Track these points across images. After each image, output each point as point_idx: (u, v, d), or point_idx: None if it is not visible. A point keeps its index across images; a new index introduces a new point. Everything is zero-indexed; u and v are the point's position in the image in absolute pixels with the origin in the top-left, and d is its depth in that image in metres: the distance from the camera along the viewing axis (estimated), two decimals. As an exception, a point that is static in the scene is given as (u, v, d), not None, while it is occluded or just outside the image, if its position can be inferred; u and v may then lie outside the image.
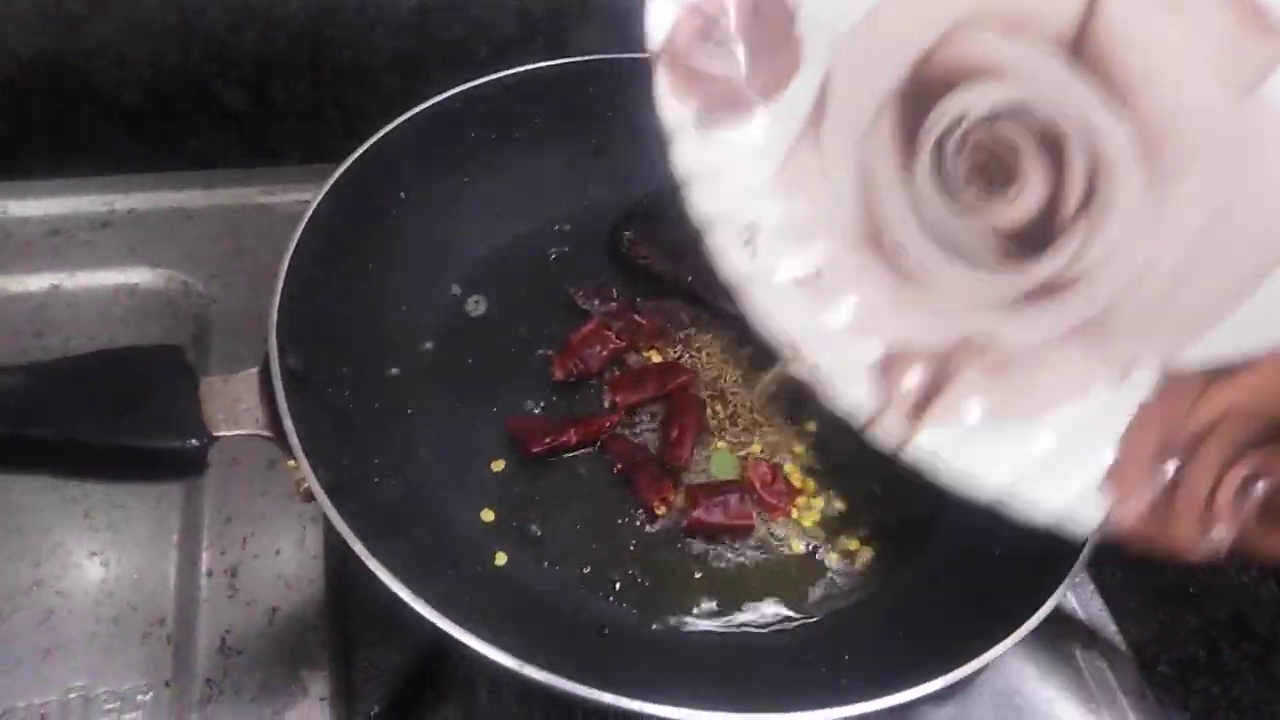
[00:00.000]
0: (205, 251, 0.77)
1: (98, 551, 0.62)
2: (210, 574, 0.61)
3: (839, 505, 0.62)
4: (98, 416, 0.46)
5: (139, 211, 0.79)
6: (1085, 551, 0.52)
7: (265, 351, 0.53)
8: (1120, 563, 0.79)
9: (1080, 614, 0.68)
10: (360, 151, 0.64)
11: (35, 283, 0.73)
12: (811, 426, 0.64)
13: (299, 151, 0.90)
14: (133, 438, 0.46)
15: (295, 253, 0.57)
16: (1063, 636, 0.66)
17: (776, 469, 0.61)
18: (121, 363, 0.49)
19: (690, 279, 0.69)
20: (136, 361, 0.49)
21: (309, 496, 0.50)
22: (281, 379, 0.51)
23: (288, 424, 0.50)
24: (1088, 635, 0.68)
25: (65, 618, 0.59)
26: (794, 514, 0.60)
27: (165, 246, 0.77)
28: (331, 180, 0.62)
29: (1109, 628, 0.68)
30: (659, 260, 0.70)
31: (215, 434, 0.49)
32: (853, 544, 0.60)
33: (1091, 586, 0.70)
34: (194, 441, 0.47)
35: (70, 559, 0.61)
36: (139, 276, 0.75)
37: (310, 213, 0.60)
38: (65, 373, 0.46)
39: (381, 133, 0.65)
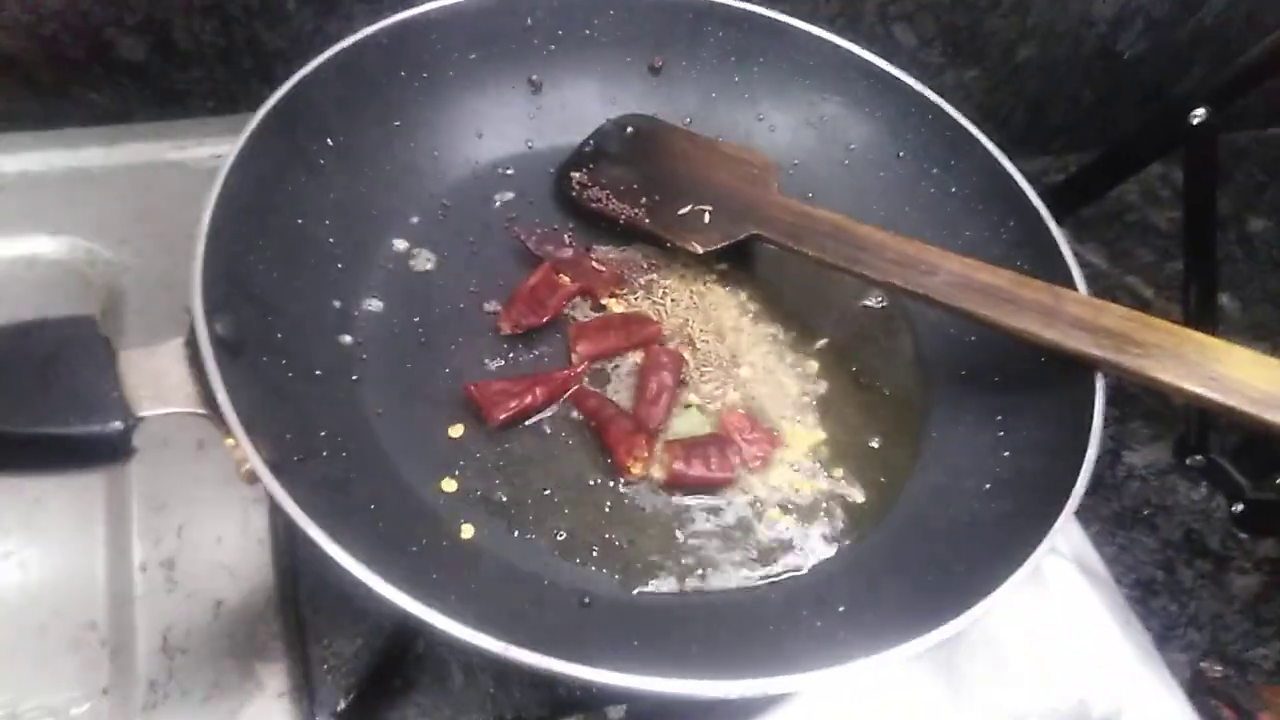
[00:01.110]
0: (112, 215, 0.70)
1: (11, 552, 0.56)
2: (144, 568, 0.56)
3: (823, 446, 0.59)
4: (3, 402, 0.40)
5: (33, 174, 0.71)
6: (1078, 488, 0.50)
7: (190, 320, 0.47)
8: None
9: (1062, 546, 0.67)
10: (279, 96, 0.58)
11: (-79, 255, 0.65)
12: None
13: (211, 101, 0.82)
14: (44, 424, 0.40)
15: (216, 208, 0.51)
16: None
17: (754, 417, 0.58)
18: (25, 338, 0.42)
19: (648, 220, 0.65)
20: (43, 336, 0.43)
21: (252, 477, 0.45)
22: (211, 348, 0.46)
23: (222, 397, 0.44)
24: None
25: (-18, 628, 0.53)
26: (776, 460, 0.57)
27: (65, 211, 0.70)
28: (249, 129, 0.56)
29: (1089, 554, 0.67)
30: (612, 202, 0.65)
31: (139, 414, 0.43)
32: (839, 490, 0.57)
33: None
34: (116, 424, 0.42)
35: (-18, 562, 0.55)
36: (38, 246, 0.68)
37: (229, 164, 0.53)
38: (-44, 354, 0.40)
39: (301, 74, 0.59)
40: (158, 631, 0.54)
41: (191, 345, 0.46)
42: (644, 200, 0.65)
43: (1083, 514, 0.75)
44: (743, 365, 0.61)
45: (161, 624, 0.54)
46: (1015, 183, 0.64)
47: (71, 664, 0.52)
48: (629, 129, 0.69)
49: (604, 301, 0.63)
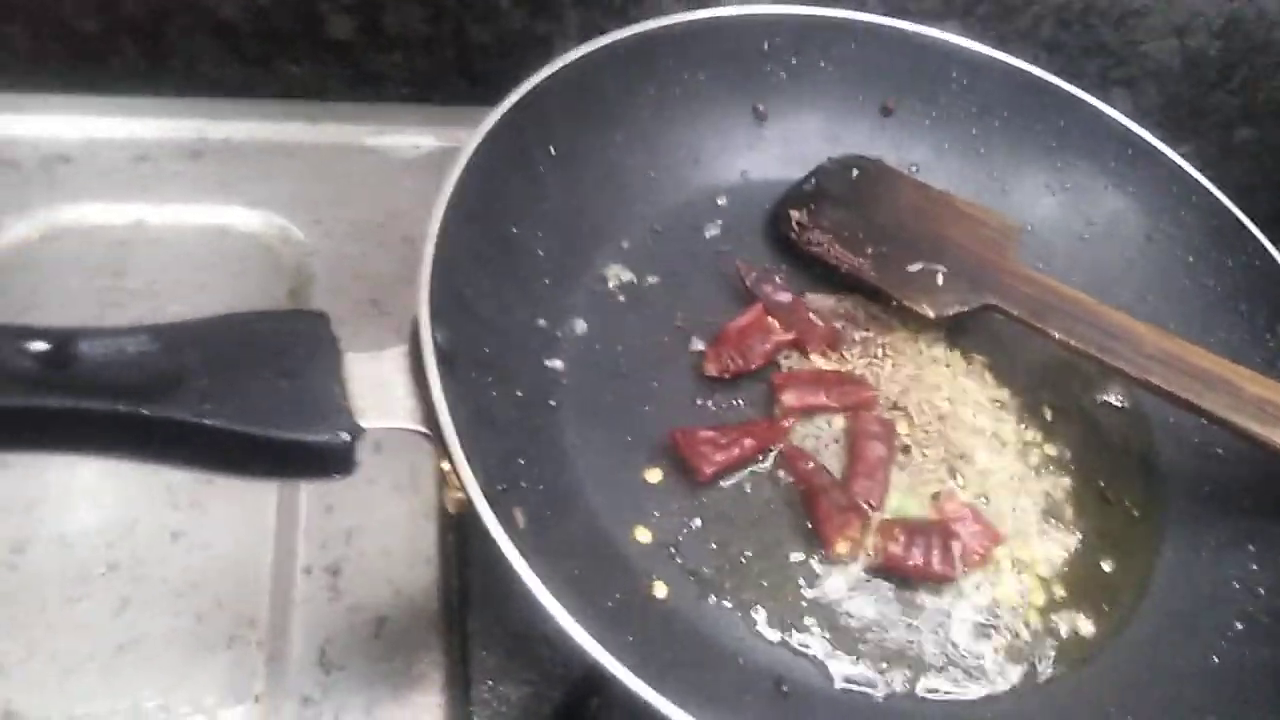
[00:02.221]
0: (307, 194, 0.68)
1: (181, 533, 0.53)
2: (309, 571, 0.53)
3: (1054, 558, 0.53)
4: (232, 397, 0.37)
5: (234, 142, 0.70)
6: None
7: (412, 328, 0.44)
8: None
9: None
10: (517, 97, 0.54)
11: (118, 214, 0.64)
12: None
13: (406, 89, 0.81)
14: (271, 426, 0.37)
15: (447, 208, 0.48)
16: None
17: (976, 510, 0.53)
18: (257, 328, 0.40)
19: (873, 273, 0.60)
20: (275, 328, 0.40)
21: (461, 506, 0.41)
22: (435, 360, 0.43)
23: (444, 417, 0.41)
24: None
25: (142, 609, 0.51)
26: (995, 565, 0.52)
27: (262, 184, 0.68)
28: (485, 127, 0.53)
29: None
30: (835, 248, 0.61)
31: (364, 425, 0.40)
32: (1067, 609, 0.51)
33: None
34: (344, 434, 0.38)
35: (149, 540, 0.53)
36: (233, 216, 0.66)
37: (463, 162, 0.51)
38: (194, 340, 0.37)
39: (540, 76, 0.56)
40: (316, 642, 0.51)
41: (414, 356, 0.43)
42: (870, 250, 0.60)
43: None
44: (961, 449, 0.55)
45: (321, 634, 0.51)
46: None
47: (225, 661, 0.50)
48: (855, 170, 0.64)
49: (814, 357, 0.58)
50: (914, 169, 0.67)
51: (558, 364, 0.55)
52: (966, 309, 0.58)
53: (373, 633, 0.51)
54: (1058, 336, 0.55)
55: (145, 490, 0.54)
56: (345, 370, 0.41)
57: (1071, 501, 0.55)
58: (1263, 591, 0.50)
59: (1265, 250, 0.59)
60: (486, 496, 0.41)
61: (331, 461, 0.39)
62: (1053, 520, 0.54)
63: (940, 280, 0.58)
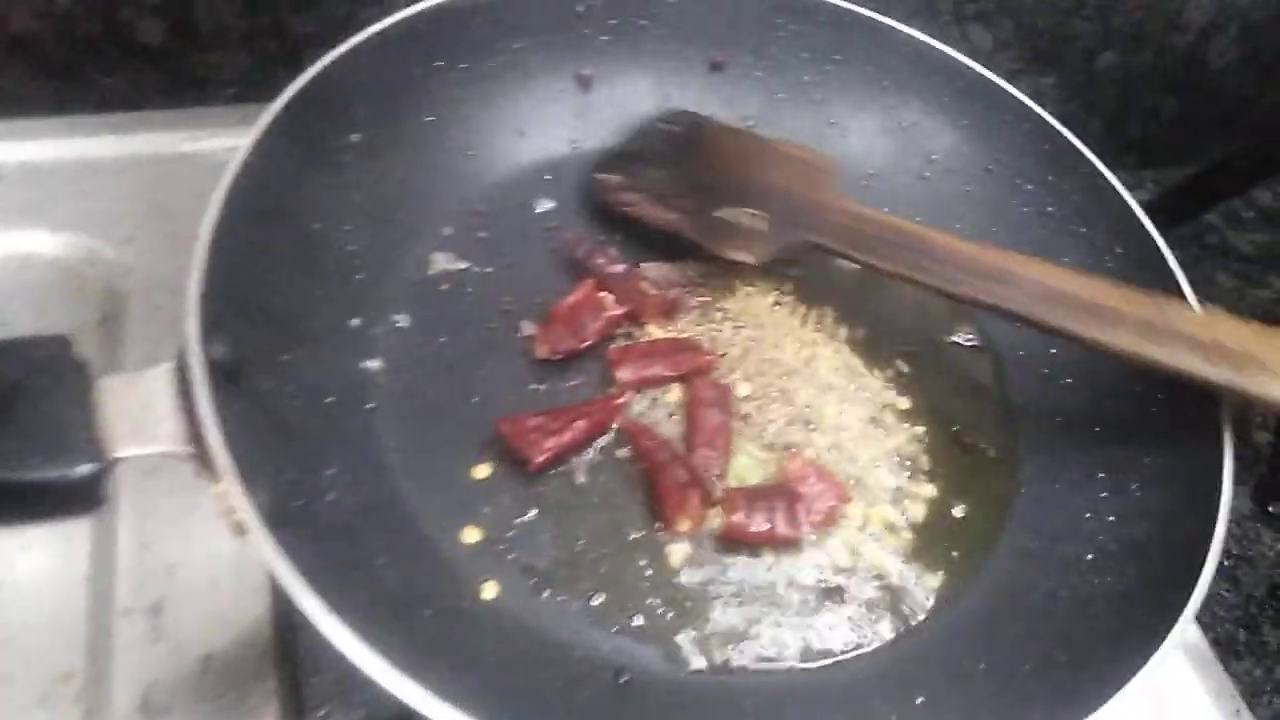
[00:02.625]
0: (118, 211, 0.64)
1: (-14, 588, 0.50)
2: (128, 614, 0.49)
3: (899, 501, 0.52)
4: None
5: (34, 163, 0.65)
6: (1207, 567, 0.43)
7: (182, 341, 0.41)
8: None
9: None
10: (300, 85, 0.51)
11: (-94, 254, 0.60)
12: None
13: (232, 89, 0.77)
14: (6, 467, 0.34)
15: (222, 211, 0.45)
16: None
17: (821, 468, 0.51)
18: (-12, 363, 0.36)
19: (690, 227, 0.57)
20: (10, 360, 0.37)
21: (241, 529, 0.38)
22: (206, 375, 0.39)
23: (212, 436, 0.38)
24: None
25: (-57, 673, 0.47)
26: (845, 522, 0.50)
27: (68, 205, 0.64)
28: (265, 121, 0.49)
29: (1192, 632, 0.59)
30: (648, 206, 0.58)
31: (115, 454, 0.37)
32: (919, 559, 0.50)
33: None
34: (84, 467, 0.35)
35: (-49, 597, 0.49)
36: (36, 243, 0.62)
37: (240, 161, 0.47)
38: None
39: (325, 61, 0.53)
40: (138, 688, 0.47)
41: (181, 373, 0.40)
42: (687, 205, 0.58)
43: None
44: (808, 406, 0.54)
45: (143, 678, 0.48)
46: (1125, 202, 0.56)
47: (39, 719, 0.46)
48: (671, 126, 0.62)
49: (650, 328, 0.56)
50: (749, 122, 0.65)
51: (375, 363, 0.52)
52: (787, 250, 0.56)
53: (200, 670, 0.48)
54: (877, 265, 0.53)
55: (-55, 546, 0.51)
56: (97, 396, 0.38)
57: (927, 450, 0.54)
58: (1112, 519, 0.49)
59: (1099, 171, 0.58)
60: (268, 515, 0.38)
61: (79, 497, 0.35)
62: (908, 471, 0.53)
63: (759, 225, 0.56)
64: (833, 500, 0.50)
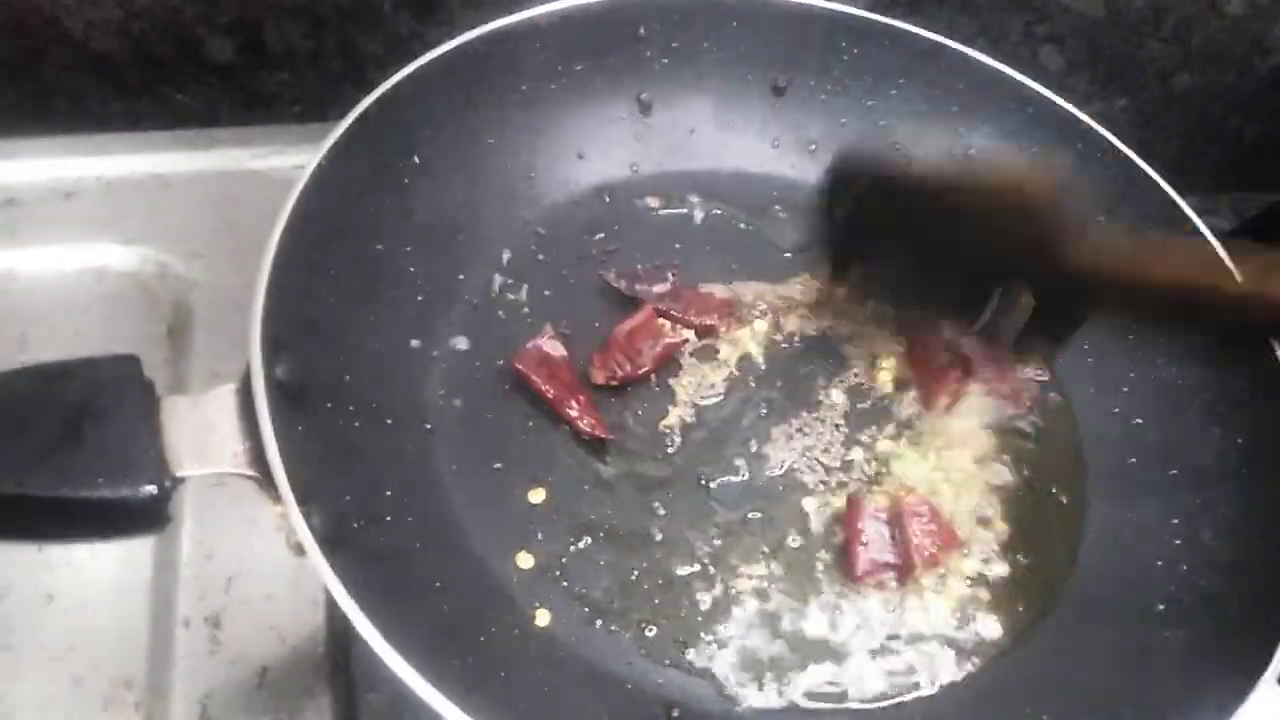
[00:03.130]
0: (187, 226, 0.65)
1: (56, 595, 0.51)
2: (188, 624, 0.50)
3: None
4: (27, 457, 0.34)
5: (109, 179, 0.67)
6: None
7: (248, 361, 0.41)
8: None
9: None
10: (364, 106, 0.52)
11: (-14, 264, 0.62)
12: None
13: (298, 107, 0.78)
14: (67, 486, 0.35)
15: (286, 231, 0.46)
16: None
17: (935, 509, 0.49)
18: (57, 381, 0.37)
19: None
20: (79, 379, 0.38)
21: (301, 549, 0.39)
22: (268, 399, 0.40)
23: (274, 459, 0.39)
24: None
25: (14, 675, 0.49)
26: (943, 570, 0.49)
27: (140, 220, 0.65)
28: (330, 141, 0.50)
29: None
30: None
31: (179, 474, 0.37)
32: (988, 607, 0.48)
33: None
34: (149, 488, 0.36)
35: (23, 604, 0.51)
36: (109, 256, 0.64)
37: (305, 180, 0.48)
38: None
39: (390, 83, 0.53)
40: (196, 697, 0.48)
41: (245, 393, 0.40)
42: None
43: None
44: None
45: (201, 689, 0.48)
46: (1199, 231, 0.54)
47: (101, 727, 0.47)
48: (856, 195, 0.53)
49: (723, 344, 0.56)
50: (812, 148, 0.64)
51: (434, 386, 0.52)
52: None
53: (256, 683, 0.49)
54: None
55: (18, 553, 0.52)
56: (162, 416, 0.39)
57: (1000, 495, 0.52)
58: (1185, 568, 0.47)
59: (1172, 199, 0.56)
60: (326, 539, 0.38)
61: (142, 516, 0.36)
62: (984, 517, 0.51)
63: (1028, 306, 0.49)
64: (942, 543, 0.48)
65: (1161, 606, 0.46)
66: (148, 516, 0.36)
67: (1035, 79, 0.62)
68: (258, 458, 0.39)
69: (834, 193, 0.52)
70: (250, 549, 0.53)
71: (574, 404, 0.51)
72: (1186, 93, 0.93)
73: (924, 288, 0.53)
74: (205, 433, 0.39)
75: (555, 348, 0.53)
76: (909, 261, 0.52)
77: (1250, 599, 0.43)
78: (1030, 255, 0.47)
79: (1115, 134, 0.65)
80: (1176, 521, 0.49)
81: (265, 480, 0.39)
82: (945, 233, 0.49)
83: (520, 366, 0.52)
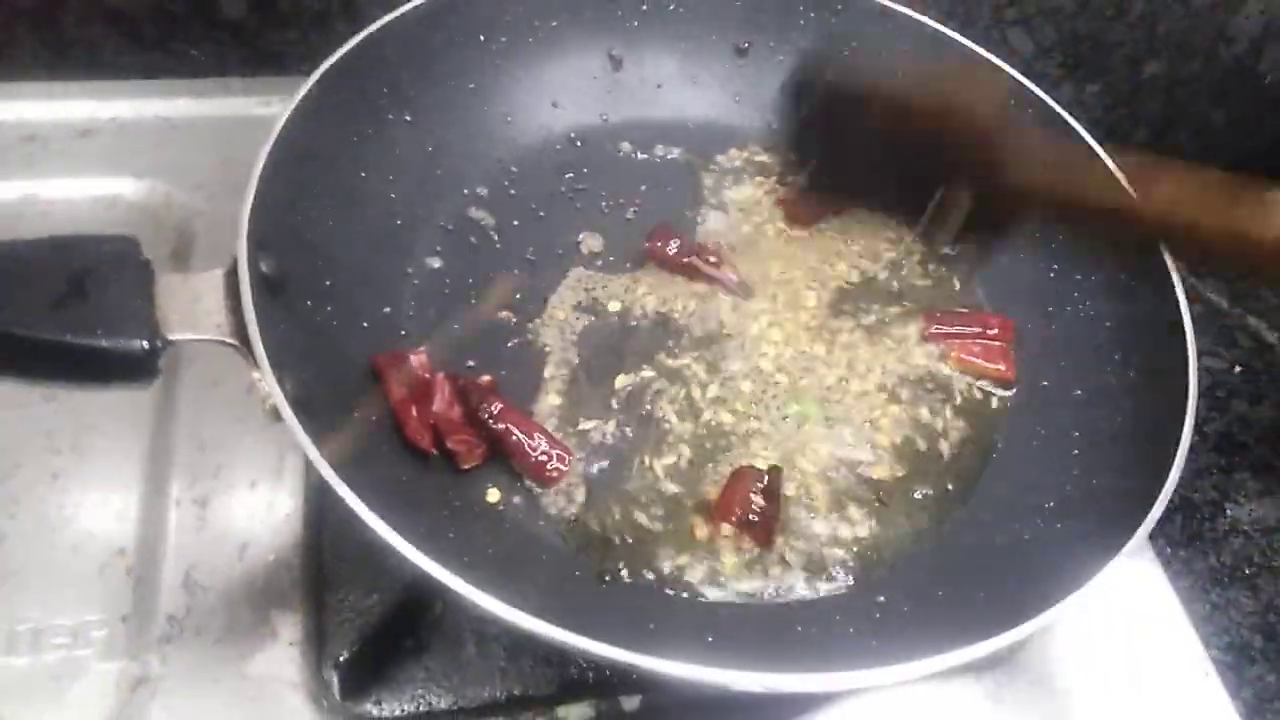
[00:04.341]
0: (193, 163, 0.71)
1: (59, 474, 0.56)
2: (179, 504, 0.56)
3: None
4: (36, 307, 0.40)
5: (123, 120, 0.73)
6: (1151, 515, 0.45)
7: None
8: (1176, 538, 0.73)
9: (1140, 591, 0.61)
10: (354, 42, 0.57)
11: (7, 190, 0.68)
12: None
13: (306, 65, 0.83)
14: (71, 333, 0.40)
15: (275, 147, 0.51)
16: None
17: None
18: (65, 250, 0.43)
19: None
20: (84, 250, 0.43)
21: (275, 415, 0.44)
22: (250, 281, 0.45)
23: (253, 329, 0.44)
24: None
25: (18, 543, 0.54)
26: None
27: (150, 157, 0.71)
28: (320, 72, 0.55)
29: (1171, 605, 0.61)
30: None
31: (169, 337, 0.43)
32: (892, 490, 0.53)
33: (1150, 552, 0.62)
34: (141, 342, 0.41)
35: (31, 481, 0.56)
36: (120, 187, 0.69)
37: (294, 105, 0.53)
38: (4, 258, 0.41)
39: (379, 23, 0.59)
40: (182, 567, 0.53)
41: (231, 277, 0.46)
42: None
43: (1176, 565, 0.69)
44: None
45: (187, 560, 0.54)
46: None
47: (96, 587, 0.52)
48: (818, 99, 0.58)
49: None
50: (768, 107, 0.69)
51: (407, 298, 0.57)
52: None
53: (236, 557, 0.54)
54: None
55: (28, 437, 0.57)
56: (157, 287, 0.44)
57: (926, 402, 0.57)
58: (1077, 473, 0.52)
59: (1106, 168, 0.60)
60: (298, 403, 0.43)
61: (135, 368, 0.41)
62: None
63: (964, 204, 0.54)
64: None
65: (1052, 503, 0.50)
66: (138, 369, 0.42)
67: (1006, 61, 0.66)
68: (239, 330, 0.44)
69: (798, 93, 0.57)
70: (239, 442, 0.58)
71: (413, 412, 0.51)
72: (1155, 78, 0.97)
73: (873, 186, 0.58)
74: (194, 305, 0.44)
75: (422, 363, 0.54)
76: (861, 159, 0.56)
77: (1124, 493, 0.47)
78: (971, 157, 0.52)
79: (1085, 117, 0.68)
80: (1078, 434, 0.54)
81: (246, 350, 0.44)
82: (897, 134, 0.53)
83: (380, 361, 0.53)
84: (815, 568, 0.50)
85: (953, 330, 0.58)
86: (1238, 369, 0.89)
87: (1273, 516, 0.80)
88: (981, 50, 0.67)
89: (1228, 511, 0.81)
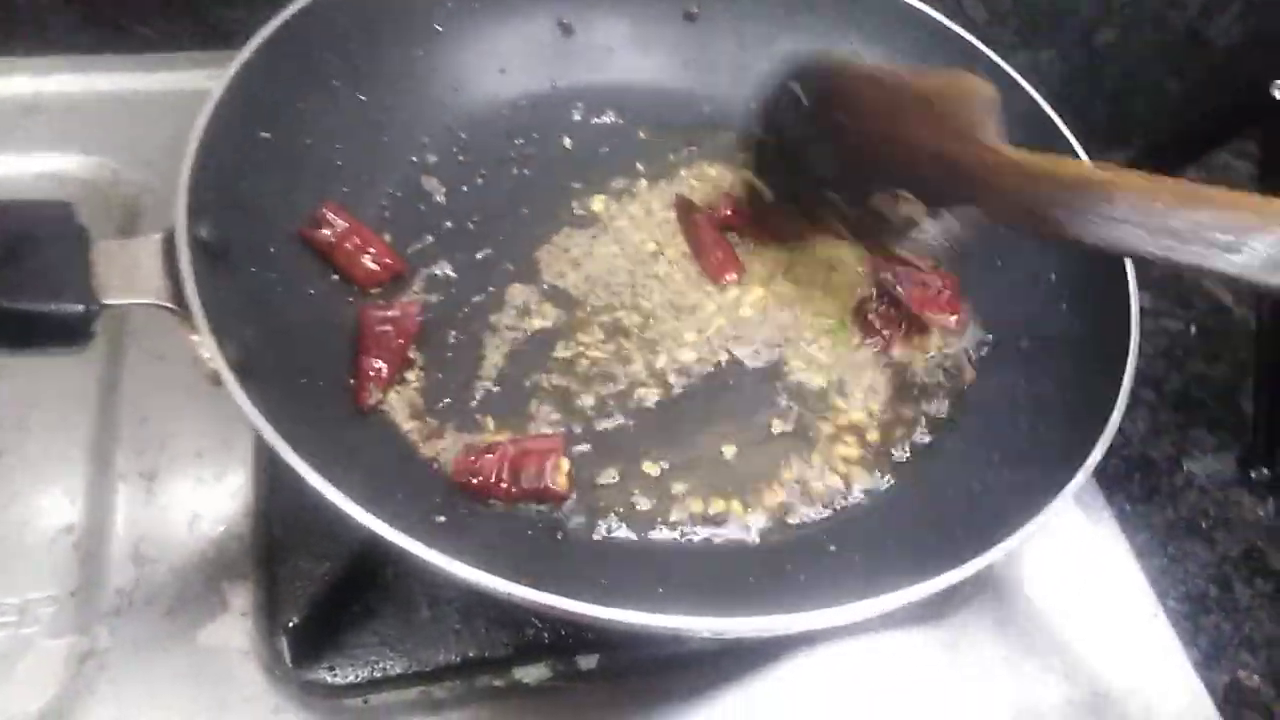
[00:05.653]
0: (141, 139, 0.70)
1: (2, 452, 0.56)
2: (125, 478, 0.55)
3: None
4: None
5: (71, 95, 0.72)
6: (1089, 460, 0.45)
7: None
8: (1135, 494, 0.74)
9: (1094, 544, 0.61)
10: (293, 10, 0.57)
11: (-50, 167, 0.67)
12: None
13: (256, 42, 0.83)
14: (8, 298, 0.39)
15: (214, 115, 0.51)
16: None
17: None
18: (2, 217, 0.42)
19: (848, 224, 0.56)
20: (20, 217, 0.43)
21: (215, 379, 0.43)
22: (189, 245, 0.45)
23: (190, 293, 0.43)
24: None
25: (-36, 519, 0.53)
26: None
27: (98, 133, 0.70)
28: (262, 36, 0.55)
29: (1124, 558, 0.61)
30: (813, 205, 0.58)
31: (104, 300, 0.42)
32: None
33: (1108, 512, 0.63)
34: (77, 306, 0.41)
35: (-28, 459, 0.55)
36: (68, 163, 0.69)
37: (234, 70, 0.53)
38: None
39: (309, -4, 0.58)
40: (130, 541, 0.53)
41: (169, 242, 0.45)
42: (839, 195, 0.55)
43: (1134, 519, 0.70)
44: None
45: (135, 534, 0.53)
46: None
47: (43, 563, 0.52)
48: (803, 98, 0.57)
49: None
50: (719, 72, 0.69)
51: (356, 266, 0.57)
52: (956, 240, 0.51)
53: (186, 529, 0.54)
54: (1051, 233, 0.46)
55: (-32, 412, 0.57)
56: (93, 254, 0.43)
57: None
58: (1024, 421, 0.52)
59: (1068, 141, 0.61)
60: (239, 367, 0.43)
61: (69, 331, 0.41)
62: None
63: (916, 212, 0.51)
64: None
65: (999, 455, 0.51)
66: (74, 333, 0.41)
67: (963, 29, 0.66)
68: (177, 295, 0.44)
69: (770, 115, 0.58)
70: (184, 414, 0.57)
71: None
72: (1108, 46, 0.97)
73: (820, 181, 0.56)
74: (131, 269, 0.44)
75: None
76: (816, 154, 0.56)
77: (1069, 442, 0.47)
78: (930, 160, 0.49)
79: (1042, 86, 0.69)
80: (1025, 384, 0.54)
81: (184, 314, 0.44)
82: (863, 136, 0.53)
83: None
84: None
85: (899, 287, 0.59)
86: (1194, 329, 0.90)
87: (1228, 471, 0.81)
88: (938, 15, 0.66)
89: (1184, 466, 0.82)
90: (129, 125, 0.71)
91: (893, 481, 0.53)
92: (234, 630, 0.50)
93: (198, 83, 0.75)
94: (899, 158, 0.51)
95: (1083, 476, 0.44)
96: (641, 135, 0.67)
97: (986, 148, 0.48)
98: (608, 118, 0.67)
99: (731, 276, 0.59)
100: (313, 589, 0.51)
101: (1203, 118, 0.77)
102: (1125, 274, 0.52)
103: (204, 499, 0.54)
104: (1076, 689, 0.54)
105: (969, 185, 0.48)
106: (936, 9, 0.67)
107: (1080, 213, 0.44)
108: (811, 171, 0.56)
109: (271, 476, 0.54)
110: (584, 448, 0.52)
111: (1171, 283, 0.95)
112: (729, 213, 0.61)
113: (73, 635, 0.50)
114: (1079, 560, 0.59)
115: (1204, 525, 0.80)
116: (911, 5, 0.67)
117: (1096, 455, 0.45)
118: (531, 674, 0.50)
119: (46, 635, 0.50)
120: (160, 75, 0.75)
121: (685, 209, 0.61)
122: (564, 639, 0.50)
